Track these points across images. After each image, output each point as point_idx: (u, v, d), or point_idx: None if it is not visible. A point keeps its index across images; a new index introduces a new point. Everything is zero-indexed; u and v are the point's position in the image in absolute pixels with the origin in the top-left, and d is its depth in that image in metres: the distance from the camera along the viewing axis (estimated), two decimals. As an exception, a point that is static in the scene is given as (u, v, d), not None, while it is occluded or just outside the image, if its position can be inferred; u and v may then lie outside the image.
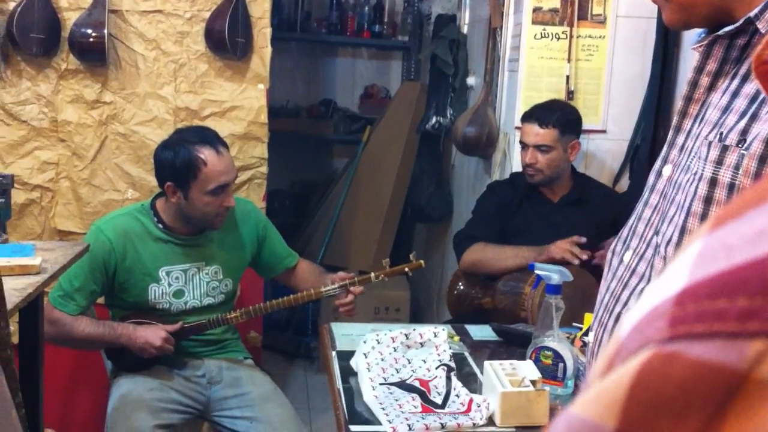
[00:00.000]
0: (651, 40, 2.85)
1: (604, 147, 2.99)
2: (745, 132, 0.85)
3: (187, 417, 2.36)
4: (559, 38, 2.91)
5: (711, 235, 0.24)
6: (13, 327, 1.83)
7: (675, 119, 0.99)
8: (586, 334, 2.11)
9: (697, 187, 0.88)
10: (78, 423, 2.88)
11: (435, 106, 3.95)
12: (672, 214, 0.92)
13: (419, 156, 4.34)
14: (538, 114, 2.64)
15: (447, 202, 4.10)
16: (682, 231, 0.88)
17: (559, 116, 2.64)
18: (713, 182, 0.86)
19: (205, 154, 2.26)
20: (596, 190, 2.78)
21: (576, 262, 2.35)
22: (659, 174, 0.99)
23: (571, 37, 2.90)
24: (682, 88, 2.73)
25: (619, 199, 2.83)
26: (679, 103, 0.99)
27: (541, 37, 2.91)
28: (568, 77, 2.91)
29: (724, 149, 0.86)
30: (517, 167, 2.90)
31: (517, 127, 2.92)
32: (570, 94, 2.91)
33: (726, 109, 0.89)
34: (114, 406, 2.28)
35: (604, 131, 2.97)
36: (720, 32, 0.92)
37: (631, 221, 1.03)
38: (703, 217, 0.86)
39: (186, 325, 2.36)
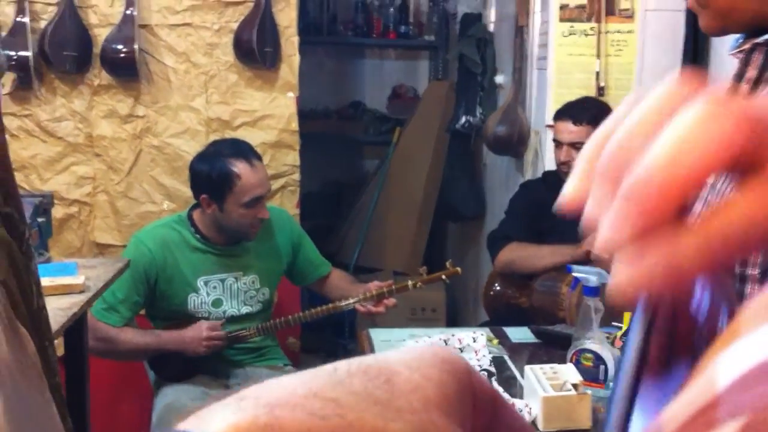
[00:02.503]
0: (680, 33, 2.82)
1: (637, 142, 2.96)
2: None
3: (230, 425, 2.39)
4: (587, 34, 2.89)
5: None
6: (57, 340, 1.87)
7: None
8: (626, 333, 2.10)
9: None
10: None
11: (464, 105, 3.95)
12: None
13: (450, 155, 4.33)
14: (571, 112, 2.63)
15: (480, 201, 4.10)
16: None
17: (593, 113, 2.62)
18: None
19: (240, 167, 2.29)
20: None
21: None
22: None
23: (600, 32, 2.88)
24: (713, 80, 2.70)
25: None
26: None
27: (569, 34, 2.90)
28: (598, 73, 2.89)
29: None
30: (549, 165, 2.89)
31: (549, 125, 2.91)
32: (600, 90, 2.89)
33: None
34: (159, 416, 2.32)
35: (636, 126, 2.94)
36: (759, 39, 0.91)
37: None
38: None
39: (229, 334, 2.39)
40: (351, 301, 2.38)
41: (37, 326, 0.77)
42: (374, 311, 2.36)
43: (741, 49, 0.94)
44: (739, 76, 0.95)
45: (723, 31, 0.97)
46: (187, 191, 2.91)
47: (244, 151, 2.35)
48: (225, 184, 2.28)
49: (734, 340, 0.22)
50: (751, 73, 0.93)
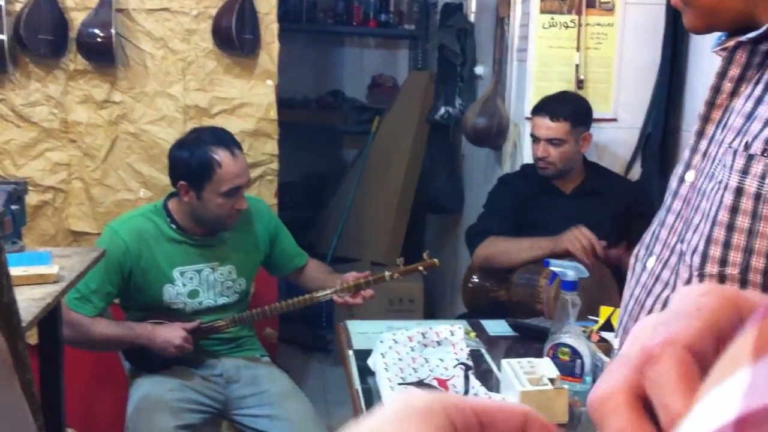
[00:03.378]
0: (660, 27, 2.83)
1: (615, 135, 2.97)
2: None
3: (207, 416, 2.38)
4: (567, 27, 2.89)
5: (757, 365, 0.24)
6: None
7: (697, 124, 0.98)
8: (603, 328, 2.11)
9: (722, 197, 0.87)
10: (98, 422, 2.90)
11: (443, 96, 3.94)
12: (697, 222, 0.91)
13: (429, 146, 4.33)
14: (549, 107, 2.62)
15: (458, 193, 4.09)
16: (708, 240, 0.88)
17: (571, 109, 2.63)
18: (739, 192, 0.85)
19: (221, 155, 2.27)
20: (609, 180, 2.77)
21: (590, 256, 2.34)
22: (682, 179, 0.98)
23: (580, 25, 2.88)
24: (692, 74, 2.72)
25: (633, 187, 2.82)
26: (700, 108, 0.98)
27: (550, 26, 2.89)
28: (577, 66, 2.90)
29: (750, 158, 0.85)
30: (528, 159, 2.89)
31: (528, 118, 2.91)
32: (580, 83, 2.90)
33: (750, 116, 0.88)
34: (134, 407, 2.30)
35: (615, 120, 2.96)
36: (743, 38, 0.91)
37: (653, 226, 1.03)
38: (730, 227, 0.86)
39: (203, 324, 2.37)
40: (328, 291, 2.37)
41: (7, 321, 0.75)
42: (352, 303, 2.35)
43: (724, 46, 0.94)
44: (722, 75, 0.95)
45: (707, 30, 0.97)
46: (163, 179, 2.88)
47: (225, 139, 2.32)
48: (204, 172, 2.26)
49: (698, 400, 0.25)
50: (734, 71, 0.93)
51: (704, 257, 0.88)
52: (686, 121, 2.76)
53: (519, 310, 2.48)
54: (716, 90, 0.95)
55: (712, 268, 0.87)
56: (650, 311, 0.96)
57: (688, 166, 0.98)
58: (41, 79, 2.86)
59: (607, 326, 2.13)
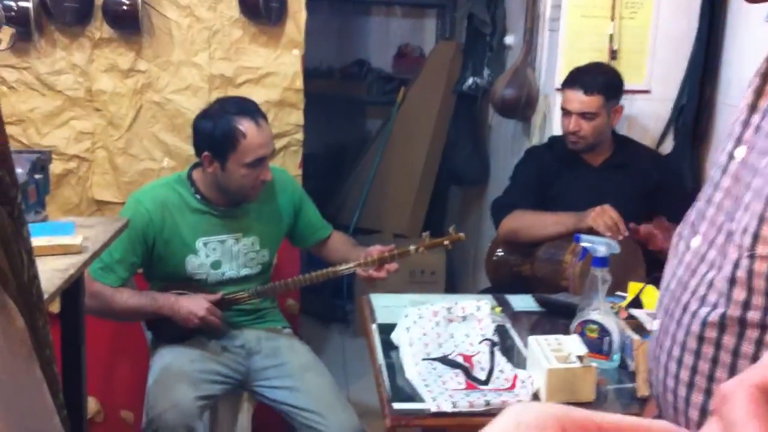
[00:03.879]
0: (697, -3, 2.75)
1: (648, 107, 2.90)
2: None
3: (227, 387, 2.37)
4: (601, -5, 2.82)
5: None
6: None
7: (749, 97, 0.93)
8: (631, 304, 2.08)
9: None
10: (119, 391, 2.91)
11: (471, 67, 3.88)
12: (748, 200, 0.86)
13: (455, 117, 4.27)
14: (582, 80, 2.55)
15: (483, 165, 4.05)
16: (761, 220, 0.83)
17: (604, 81, 2.56)
18: None
19: (245, 125, 2.24)
20: (639, 153, 2.71)
21: (619, 237, 2.27)
22: (731, 155, 0.93)
23: (615, -6, 2.81)
24: (729, 46, 2.65)
25: (664, 162, 2.76)
26: (755, 80, 0.93)
27: (583, -6, 2.82)
28: (611, 36, 2.82)
29: None
30: (557, 131, 2.83)
31: (559, 89, 2.85)
32: (613, 53, 2.83)
33: None
34: (155, 379, 2.29)
35: (648, 91, 2.89)
36: None
37: (699, 204, 0.98)
38: None
39: (226, 296, 2.36)
40: (351, 265, 2.34)
41: (27, 299, 0.73)
42: (375, 276, 2.32)
43: None
44: None
45: None
46: (187, 149, 2.86)
47: (249, 109, 2.29)
48: (228, 143, 2.23)
49: None
50: None
51: (755, 237, 0.84)
52: (722, 94, 2.68)
53: (543, 286, 2.45)
54: None
55: (763, 249, 0.83)
56: (694, 293, 0.92)
57: (738, 141, 0.93)
58: (66, 48, 2.84)
59: (636, 303, 2.10)
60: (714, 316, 0.88)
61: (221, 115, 2.26)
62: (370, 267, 2.33)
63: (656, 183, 2.61)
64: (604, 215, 2.35)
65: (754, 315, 0.85)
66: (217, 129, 2.24)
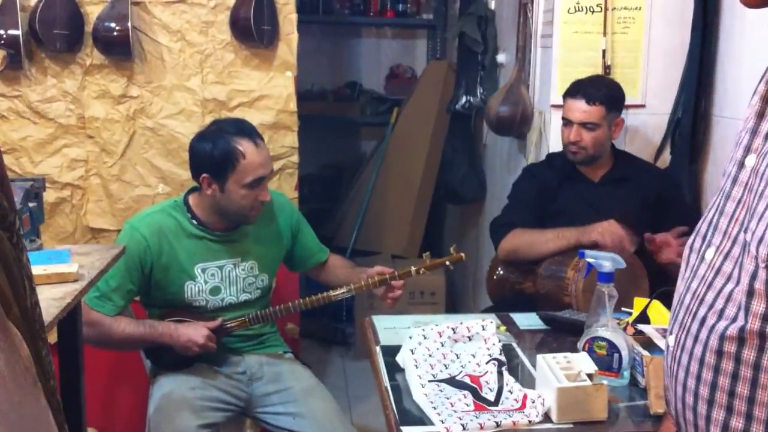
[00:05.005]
0: (689, 10, 2.75)
1: (644, 122, 2.90)
2: None
3: (230, 414, 2.33)
4: (593, 11, 2.82)
5: None
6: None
7: (757, 104, 0.91)
8: (637, 320, 2.05)
9: None
10: (119, 422, 2.87)
11: (464, 86, 3.87)
12: (762, 209, 0.84)
13: (450, 136, 4.26)
14: (584, 90, 2.55)
15: (480, 183, 4.03)
16: None
17: (606, 92, 2.55)
18: None
19: (244, 146, 2.22)
20: (638, 167, 2.70)
21: (626, 252, 2.25)
22: (742, 164, 0.91)
23: (606, 9, 2.81)
24: (723, 57, 2.64)
25: (664, 176, 2.74)
26: (761, 87, 0.91)
27: (575, 11, 2.82)
28: (604, 51, 2.82)
29: None
30: (554, 147, 2.82)
31: (554, 105, 2.84)
32: (607, 68, 2.82)
33: None
34: (156, 407, 2.25)
35: (643, 105, 2.88)
36: None
37: (710, 215, 0.96)
38: None
39: (225, 322, 2.32)
40: (343, 290, 2.32)
41: (30, 326, 0.70)
42: (392, 296, 2.32)
43: None
44: None
45: (763, 3, 0.90)
46: (182, 174, 2.84)
47: (247, 129, 2.28)
48: (228, 163, 2.21)
49: None
50: None
51: None
52: (718, 106, 2.67)
53: (546, 303, 2.42)
54: None
55: None
56: (711, 306, 0.90)
57: (748, 150, 0.91)
58: (57, 75, 2.82)
59: (643, 318, 2.07)
60: (733, 330, 0.86)
61: (220, 136, 2.24)
62: (365, 290, 2.32)
63: (657, 196, 2.59)
64: (612, 231, 2.33)
65: None
66: (216, 150, 2.22)
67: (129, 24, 2.72)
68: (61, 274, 1.63)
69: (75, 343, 1.94)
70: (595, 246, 2.34)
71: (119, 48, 2.76)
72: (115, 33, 2.74)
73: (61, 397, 0.82)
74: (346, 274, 2.52)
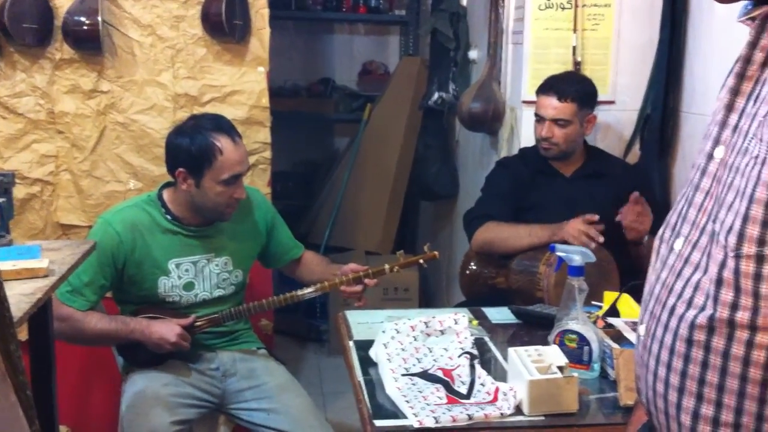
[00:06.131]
0: (658, 7, 2.79)
1: (614, 118, 2.93)
2: None
3: (204, 411, 2.33)
4: (564, 8, 2.85)
5: None
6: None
7: (726, 97, 0.93)
8: (608, 313, 2.07)
9: (760, 172, 0.82)
10: (92, 419, 2.85)
11: (437, 82, 3.88)
12: (731, 200, 0.86)
13: (423, 133, 4.27)
14: (557, 86, 2.57)
15: (453, 179, 4.05)
16: (745, 219, 0.83)
17: (578, 89, 2.58)
18: None
19: (222, 142, 2.21)
20: (610, 163, 2.73)
21: (593, 246, 2.28)
22: (710, 156, 0.93)
23: (577, 6, 2.84)
24: (691, 54, 2.67)
25: (636, 171, 2.78)
26: (730, 80, 0.93)
27: (546, 7, 2.84)
28: (574, 48, 2.85)
29: None
30: (525, 142, 2.84)
31: (525, 101, 2.86)
32: (577, 65, 2.85)
33: None
34: (129, 404, 2.24)
35: (613, 102, 2.91)
36: None
37: (680, 206, 0.98)
38: None
39: (198, 320, 2.31)
40: (325, 284, 2.32)
41: (-2, 323, 0.70)
42: (352, 291, 2.31)
43: (753, 15, 0.89)
44: (753, 45, 0.90)
45: None
46: (154, 170, 2.82)
47: (225, 126, 2.27)
48: (205, 158, 2.20)
49: None
50: (766, 41, 0.88)
51: (741, 237, 0.83)
52: (686, 102, 2.71)
53: (518, 297, 2.44)
54: (747, 61, 0.90)
55: (749, 249, 0.83)
56: (680, 296, 0.91)
57: (717, 142, 0.93)
58: (27, 69, 2.79)
59: (612, 311, 2.09)
60: (702, 319, 0.88)
61: (198, 131, 2.23)
62: (344, 285, 2.32)
63: (629, 191, 2.62)
64: (582, 229, 2.36)
65: (743, 316, 0.84)
66: (193, 145, 2.21)
67: (99, 18, 2.69)
68: (31, 269, 1.62)
69: (46, 340, 1.93)
70: (567, 242, 2.36)
71: (89, 42, 2.74)
72: (85, 27, 2.71)
73: (32, 393, 0.81)
74: (321, 270, 2.52)
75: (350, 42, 5.25)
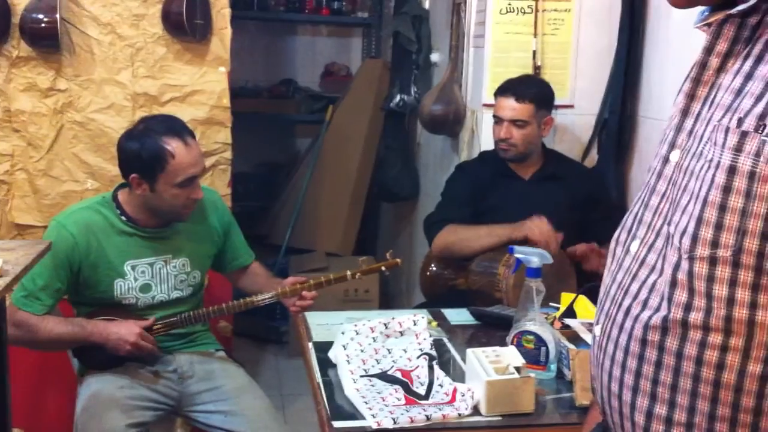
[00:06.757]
0: (617, 12, 2.83)
1: (572, 121, 2.97)
2: (763, 117, 0.81)
3: (160, 414, 2.30)
4: (524, 12, 2.87)
5: None
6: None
7: (682, 102, 0.94)
8: (564, 314, 2.10)
9: (714, 176, 0.83)
10: (46, 422, 2.80)
11: (399, 84, 3.90)
12: (685, 203, 0.87)
13: (384, 135, 4.28)
14: (514, 88, 2.60)
15: (414, 181, 4.06)
16: (699, 221, 0.84)
17: (536, 91, 2.61)
18: (732, 170, 0.82)
19: (173, 145, 2.18)
20: (568, 166, 2.76)
21: (552, 248, 2.31)
22: (666, 159, 0.94)
23: (537, 11, 2.87)
24: (649, 60, 2.72)
25: (592, 175, 2.82)
26: (685, 85, 0.94)
27: (507, 11, 2.87)
28: (534, 52, 2.88)
29: (743, 135, 0.82)
30: (486, 146, 2.87)
31: (486, 105, 2.88)
32: (537, 69, 2.88)
33: (739, 92, 0.85)
34: (84, 406, 2.21)
35: (571, 106, 2.95)
36: (733, 11, 0.87)
37: (636, 209, 0.99)
38: (722, 207, 0.82)
39: (158, 321, 2.29)
40: (270, 295, 2.32)
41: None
42: (305, 305, 2.31)
43: (709, 21, 0.91)
44: (709, 50, 0.91)
45: (690, 4, 0.93)
46: (112, 170, 2.79)
47: (176, 128, 2.23)
48: (157, 164, 2.17)
49: None
50: (722, 46, 0.90)
51: (694, 239, 0.85)
52: (643, 107, 2.76)
53: (478, 299, 2.46)
54: (703, 66, 0.92)
55: (702, 251, 0.84)
56: (635, 297, 0.93)
57: (672, 146, 0.94)
58: (-19, 67, 2.74)
59: (569, 313, 2.12)
60: (656, 320, 0.89)
61: (148, 135, 2.19)
62: (292, 298, 2.33)
63: (587, 194, 2.66)
64: (540, 226, 2.39)
65: (696, 317, 0.86)
66: (144, 150, 2.18)
67: (57, 15, 2.66)
68: (-17, 270, 1.59)
69: (0, 344, 1.89)
70: (526, 241, 2.39)
71: (47, 40, 2.69)
72: (43, 24, 2.67)
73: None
74: (263, 282, 2.51)
75: (313, 43, 5.25)
